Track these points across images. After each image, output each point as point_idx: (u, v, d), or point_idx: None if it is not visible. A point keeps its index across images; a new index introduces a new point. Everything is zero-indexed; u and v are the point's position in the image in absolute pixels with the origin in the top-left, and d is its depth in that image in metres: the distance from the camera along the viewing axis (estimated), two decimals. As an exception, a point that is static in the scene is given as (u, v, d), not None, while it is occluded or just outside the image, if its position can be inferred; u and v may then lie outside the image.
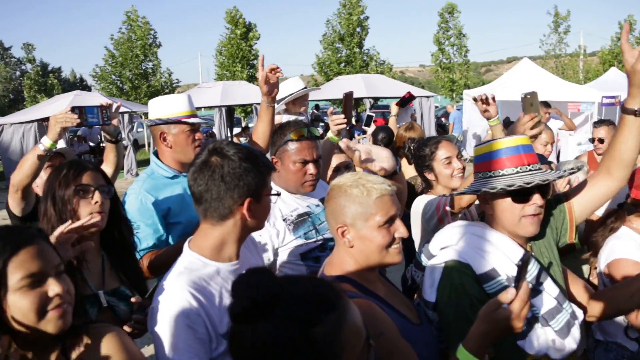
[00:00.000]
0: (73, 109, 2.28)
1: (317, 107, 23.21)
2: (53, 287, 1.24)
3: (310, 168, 2.39)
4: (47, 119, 16.55)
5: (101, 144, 19.38)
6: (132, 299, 1.84)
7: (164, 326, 1.48)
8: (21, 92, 44.50)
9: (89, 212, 1.86)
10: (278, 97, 4.16)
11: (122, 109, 2.56)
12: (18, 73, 48.99)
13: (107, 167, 2.73)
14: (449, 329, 1.74)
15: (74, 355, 1.30)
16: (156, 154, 2.59)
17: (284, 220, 2.36)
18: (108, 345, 1.33)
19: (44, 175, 2.45)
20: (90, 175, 1.90)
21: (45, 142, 2.27)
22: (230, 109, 18.35)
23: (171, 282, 1.57)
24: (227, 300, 1.57)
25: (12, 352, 1.24)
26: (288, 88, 4.07)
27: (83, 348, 1.31)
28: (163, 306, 1.51)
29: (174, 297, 1.51)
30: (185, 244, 1.69)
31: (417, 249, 2.53)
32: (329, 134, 2.70)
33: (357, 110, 22.95)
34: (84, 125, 2.32)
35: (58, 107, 15.80)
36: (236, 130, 19.63)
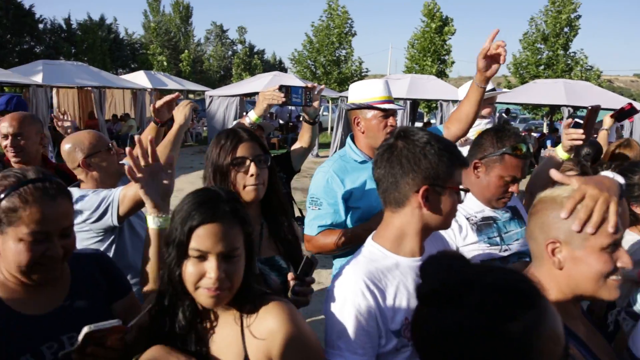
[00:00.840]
0: (280, 88, 2.37)
1: (507, 111, 21.75)
2: (210, 272, 1.28)
3: (515, 186, 2.20)
4: (248, 95, 18.36)
5: (289, 123, 20.86)
6: (289, 276, 1.81)
7: (334, 311, 1.47)
8: (230, 70, 50.25)
9: (244, 184, 1.87)
10: (461, 97, 3.93)
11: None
12: (230, 52, 55.31)
13: (301, 145, 2.85)
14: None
15: (246, 322, 1.35)
16: (352, 137, 2.60)
17: (467, 218, 2.21)
18: (278, 317, 1.34)
19: None
20: (245, 146, 1.88)
21: (252, 115, 2.42)
22: (414, 103, 18.21)
23: (349, 269, 1.55)
24: (403, 296, 1.50)
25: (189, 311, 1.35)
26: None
27: (255, 317, 1.35)
28: (337, 291, 1.50)
29: (348, 284, 1.49)
30: (370, 235, 1.65)
31: None
32: (559, 149, 2.39)
33: (552, 119, 20.97)
34: (287, 104, 2.40)
35: (258, 85, 17.39)
36: (417, 124, 19.46)
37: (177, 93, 2.48)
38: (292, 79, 18.13)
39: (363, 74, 27.81)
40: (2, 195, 1.37)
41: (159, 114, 2.52)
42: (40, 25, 32.31)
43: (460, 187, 1.54)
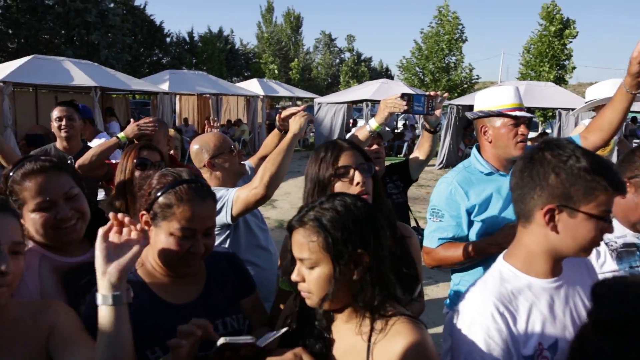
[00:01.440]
0: (403, 96, 2.33)
1: (634, 120, 19.76)
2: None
3: None
4: (355, 102, 18.51)
5: (395, 131, 20.71)
6: None
7: (462, 331, 1.41)
8: (337, 77, 51.15)
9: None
10: (588, 98, 3.55)
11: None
12: (337, 60, 56.33)
13: (420, 155, 2.79)
14: None
15: (374, 339, 1.32)
16: (478, 147, 2.49)
17: (605, 244, 2.00)
18: (407, 339, 1.29)
19: None
20: (348, 155, 1.81)
21: (372, 124, 2.40)
22: (529, 112, 17.17)
23: (477, 289, 1.47)
24: (537, 319, 1.40)
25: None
26: (603, 90, 3.39)
27: (384, 335, 1.31)
28: (465, 311, 1.44)
29: (476, 306, 1.42)
30: (501, 254, 1.56)
31: None
32: None
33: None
34: (409, 112, 2.34)
35: (366, 93, 17.48)
36: (532, 134, 18.32)
37: (303, 106, 2.55)
38: (399, 87, 18.00)
39: (473, 81, 26.86)
40: (160, 193, 1.50)
41: (284, 123, 2.61)
42: (168, 39, 35.34)
43: (606, 214, 1.35)
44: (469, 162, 2.49)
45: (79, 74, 12.63)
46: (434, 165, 16.15)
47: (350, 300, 1.36)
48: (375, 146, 2.97)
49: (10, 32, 26.17)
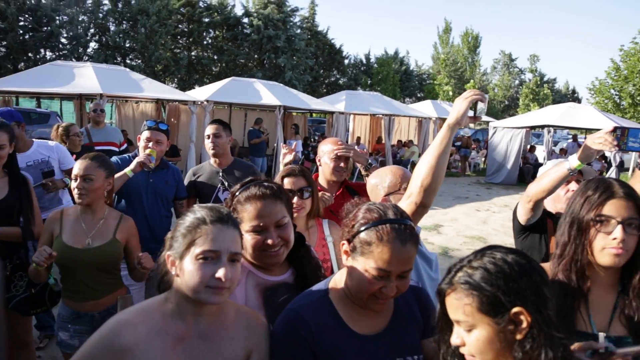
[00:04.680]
0: (615, 130, 2.02)
1: None
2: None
3: None
4: (534, 127, 17.08)
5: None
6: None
7: None
8: (515, 100, 48.27)
9: (604, 246, 1.58)
10: None
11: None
12: (517, 82, 53.17)
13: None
14: None
15: None
16: None
17: None
18: None
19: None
20: (618, 204, 1.56)
21: (573, 161, 2.14)
22: None
23: None
24: None
25: None
26: None
27: None
28: None
29: None
30: None
31: None
32: None
33: None
34: (621, 149, 2.03)
35: (549, 118, 16.13)
36: None
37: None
38: (589, 111, 16.28)
39: (685, 106, 23.05)
40: (363, 228, 1.48)
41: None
42: (346, 61, 37.14)
43: None
44: None
45: (266, 93, 14.04)
46: None
47: None
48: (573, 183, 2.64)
49: (215, 57, 30.42)
